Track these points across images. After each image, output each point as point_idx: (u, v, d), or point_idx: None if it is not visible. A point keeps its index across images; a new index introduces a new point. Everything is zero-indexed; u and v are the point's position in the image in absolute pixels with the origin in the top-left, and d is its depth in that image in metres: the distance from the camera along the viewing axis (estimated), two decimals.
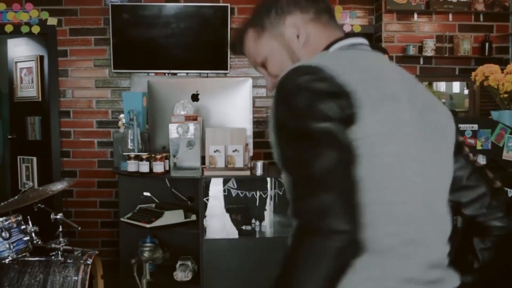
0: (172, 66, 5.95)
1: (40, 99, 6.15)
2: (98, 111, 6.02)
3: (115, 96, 6.03)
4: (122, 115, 5.79)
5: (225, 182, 3.78)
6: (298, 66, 1.28)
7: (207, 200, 3.76)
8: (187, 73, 5.99)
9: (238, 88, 4.18)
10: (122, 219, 3.96)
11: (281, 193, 3.82)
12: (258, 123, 5.92)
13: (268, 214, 3.90)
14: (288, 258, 1.18)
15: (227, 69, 5.99)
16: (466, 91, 6.37)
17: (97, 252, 3.56)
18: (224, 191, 3.78)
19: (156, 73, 5.96)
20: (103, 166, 5.98)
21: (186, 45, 5.97)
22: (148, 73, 5.96)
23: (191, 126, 3.69)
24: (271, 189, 3.84)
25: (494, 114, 4.11)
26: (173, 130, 3.69)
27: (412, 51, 5.96)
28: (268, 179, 3.86)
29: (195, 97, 4.09)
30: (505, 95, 4.05)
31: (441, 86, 6.47)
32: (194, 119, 3.73)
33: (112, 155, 5.89)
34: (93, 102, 6.03)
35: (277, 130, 1.26)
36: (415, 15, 6.05)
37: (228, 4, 5.95)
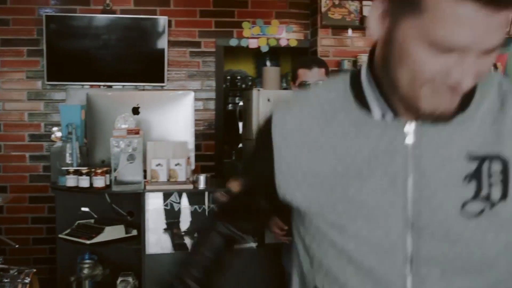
0: (108, 78, 5.85)
1: None
2: (30, 124, 5.85)
3: (48, 109, 5.87)
4: (55, 128, 5.65)
5: (168, 196, 3.74)
6: None
7: (153, 214, 3.71)
8: (123, 85, 5.90)
9: (179, 101, 4.16)
10: (60, 236, 3.85)
11: None
12: (197, 136, 5.89)
13: None
14: None
15: (163, 82, 5.95)
16: None
17: (35, 270, 3.45)
18: (167, 205, 3.74)
19: (91, 86, 5.84)
20: (35, 180, 5.80)
21: (122, 57, 5.89)
22: (83, 85, 5.84)
23: (134, 140, 3.64)
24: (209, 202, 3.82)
25: None
26: (115, 144, 3.63)
27: (346, 65, 6.08)
28: (206, 193, 3.83)
29: (135, 111, 4.04)
30: None
31: None
32: (136, 132, 3.68)
33: (45, 169, 5.74)
34: (25, 115, 5.85)
35: None
36: (350, 31, 6.18)
37: (166, 17, 5.92)
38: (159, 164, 3.71)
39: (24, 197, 5.79)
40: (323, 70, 3.74)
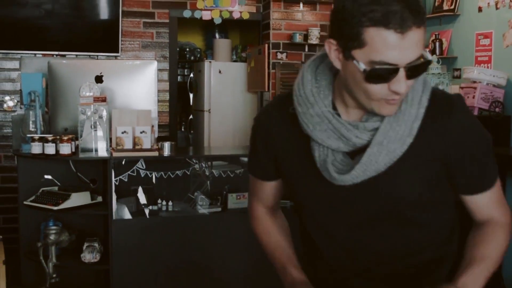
0: (61, 47, 5.80)
1: None
2: None
3: None
4: (7, 98, 5.60)
5: (133, 163, 3.82)
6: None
7: (116, 181, 3.78)
8: (76, 54, 5.88)
9: (142, 71, 4.23)
10: (25, 202, 3.88)
11: (188, 173, 3.93)
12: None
13: (175, 194, 4.00)
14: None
15: (118, 52, 5.95)
16: None
17: (1, 237, 3.48)
18: (133, 171, 3.82)
19: (44, 55, 5.79)
20: None
21: (75, 26, 5.85)
22: (35, 54, 5.78)
23: (100, 108, 3.69)
24: (179, 170, 3.93)
25: None
26: (82, 112, 3.68)
27: (298, 39, 6.24)
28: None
29: (99, 79, 4.08)
30: None
31: None
32: (103, 100, 3.73)
33: None
34: None
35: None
36: (301, 5, 6.33)
37: None
38: (124, 132, 3.78)
39: None
40: None
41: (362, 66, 1.32)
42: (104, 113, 3.70)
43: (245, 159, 4.06)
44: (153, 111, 4.10)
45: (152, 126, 3.94)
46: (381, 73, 1.32)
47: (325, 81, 1.52)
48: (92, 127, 3.74)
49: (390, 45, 1.29)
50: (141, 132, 3.81)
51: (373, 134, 1.45)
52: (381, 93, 1.36)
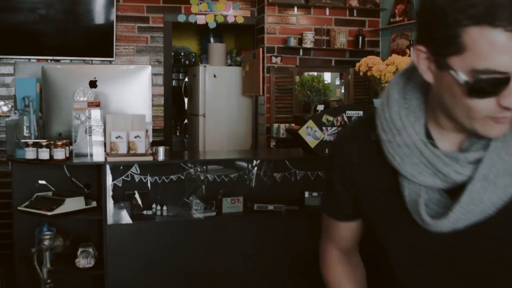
0: (55, 52, 5.80)
1: None
2: None
3: None
4: (1, 103, 5.59)
5: (128, 168, 3.81)
6: None
7: (113, 186, 3.78)
8: (70, 59, 5.87)
9: (136, 75, 4.22)
10: (19, 208, 3.87)
11: (183, 177, 3.92)
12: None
13: (170, 198, 3.99)
14: None
15: (112, 57, 5.95)
16: (338, 81, 6.79)
17: None
18: (127, 176, 3.81)
19: (38, 60, 5.78)
20: None
21: (69, 31, 5.85)
22: (29, 59, 5.77)
23: (94, 112, 3.69)
24: (173, 174, 3.92)
25: (376, 102, 4.46)
26: (76, 117, 3.67)
27: (292, 42, 6.24)
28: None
29: (93, 84, 4.08)
30: (386, 85, 4.41)
31: (314, 73, 6.82)
32: (97, 105, 3.73)
33: None
34: None
35: None
36: (295, 9, 6.34)
37: None
38: (119, 137, 3.77)
39: None
40: None
41: (462, 77, 1.06)
42: (98, 118, 3.70)
43: (240, 163, 4.07)
44: (148, 116, 4.10)
45: (147, 131, 3.93)
46: (488, 85, 1.04)
47: (416, 100, 1.24)
48: (87, 132, 3.73)
49: (499, 48, 1.01)
50: (135, 137, 3.80)
51: (476, 166, 1.15)
52: (487, 110, 1.08)
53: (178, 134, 7.84)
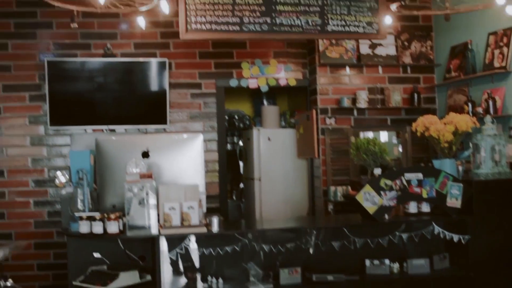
0: (110, 121, 5.88)
1: None
2: (34, 169, 5.85)
3: (51, 153, 5.88)
4: (59, 173, 5.63)
5: (182, 239, 3.73)
6: None
7: (167, 258, 3.70)
8: (125, 128, 5.93)
9: (188, 144, 4.18)
10: (74, 283, 3.82)
11: (238, 249, 3.81)
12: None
13: (225, 270, 3.88)
14: None
15: (166, 123, 5.98)
16: (394, 139, 6.62)
17: None
18: (181, 249, 3.73)
19: (94, 130, 5.86)
20: (40, 226, 5.77)
21: (123, 99, 5.94)
22: (85, 129, 5.86)
23: (146, 184, 3.65)
24: (229, 245, 3.82)
25: (436, 163, 4.29)
26: (128, 189, 3.64)
27: (346, 103, 6.15)
28: None
29: (145, 154, 4.06)
30: (446, 145, 4.25)
31: (369, 135, 6.69)
32: (149, 176, 3.69)
33: (50, 215, 5.73)
34: (28, 160, 5.85)
35: None
36: (347, 68, 6.28)
37: (166, 59, 5.99)
38: (172, 208, 3.71)
39: (29, 244, 5.75)
40: None
41: None
42: (150, 190, 3.65)
43: (297, 232, 3.94)
44: (201, 185, 4.03)
45: (200, 201, 3.86)
46: None
47: None
48: (139, 204, 3.69)
49: None
50: (188, 208, 3.74)
51: None
52: None
53: (234, 198, 7.77)
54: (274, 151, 6.59)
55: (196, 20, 4.32)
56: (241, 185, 7.37)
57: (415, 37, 6.45)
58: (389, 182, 3.94)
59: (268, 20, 4.43)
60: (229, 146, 7.90)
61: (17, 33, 5.90)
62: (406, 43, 6.42)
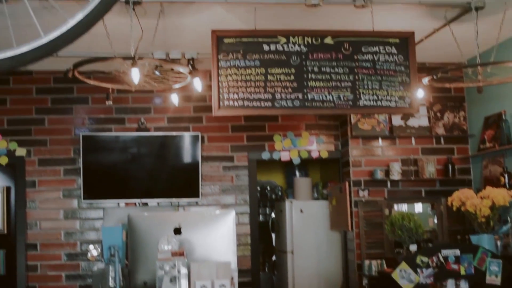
0: (143, 194, 5.92)
1: (5, 232, 5.98)
2: (66, 243, 5.87)
3: (84, 227, 5.91)
4: (91, 247, 5.65)
5: None
6: None
7: None
8: (158, 202, 5.95)
9: (220, 220, 4.16)
10: None
11: None
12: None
13: None
14: None
15: (198, 197, 5.99)
16: (429, 211, 6.49)
17: None
18: None
19: (127, 204, 5.90)
20: None
21: (156, 173, 5.98)
22: (118, 203, 5.90)
23: (178, 262, 3.62)
24: None
25: (474, 238, 4.19)
26: (160, 267, 3.61)
27: (379, 175, 6.10)
28: None
29: (177, 231, 4.04)
30: (483, 220, 4.16)
31: (403, 207, 6.58)
32: (181, 254, 3.66)
33: None
34: (61, 234, 5.88)
35: None
36: (380, 140, 6.25)
37: (199, 133, 6.05)
38: (203, 286, 3.66)
39: None
40: None
41: None
42: (182, 268, 3.62)
43: None
44: (232, 261, 3.98)
45: (232, 278, 3.81)
46: None
47: None
48: (171, 282, 3.65)
49: None
50: (220, 286, 3.68)
51: None
52: None
53: (266, 270, 7.66)
54: (307, 223, 6.53)
55: (228, 97, 4.37)
56: (274, 257, 7.28)
57: (448, 108, 6.43)
58: (425, 259, 3.85)
59: (300, 96, 4.46)
60: (261, 217, 7.86)
61: (54, 109, 6.05)
62: (438, 114, 6.40)
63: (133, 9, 4.21)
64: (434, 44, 5.45)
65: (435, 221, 6.36)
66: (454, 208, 4.32)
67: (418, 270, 3.84)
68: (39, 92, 6.05)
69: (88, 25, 1.30)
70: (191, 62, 5.43)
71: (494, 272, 3.91)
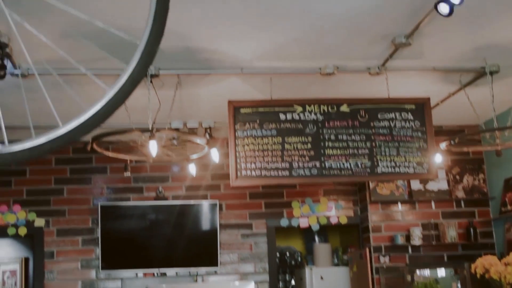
0: (161, 263, 5.87)
1: None
2: None
3: None
4: None
5: None
6: None
7: None
8: (176, 272, 5.90)
9: None
10: None
11: None
12: None
13: None
14: None
15: (217, 265, 5.93)
16: (453, 276, 6.34)
17: None
18: None
19: (145, 274, 5.85)
20: None
21: (174, 242, 5.95)
22: (136, 273, 5.84)
23: None
24: None
25: None
26: None
27: (400, 240, 6.01)
28: None
29: None
30: (508, 287, 4.06)
31: (425, 273, 6.44)
32: None
33: None
34: None
35: None
36: (399, 205, 6.19)
37: (217, 200, 6.04)
38: None
39: None
40: None
41: None
42: None
43: None
44: None
45: None
46: None
47: None
48: None
49: None
50: None
51: None
52: None
53: None
54: None
55: (246, 167, 4.38)
56: None
57: (467, 171, 6.37)
58: None
59: (317, 164, 4.46)
60: (281, 284, 7.72)
61: (73, 179, 6.09)
62: (458, 177, 6.34)
63: (151, 81, 4.29)
64: (450, 108, 5.46)
65: (459, 286, 6.21)
66: (478, 276, 4.23)
67: None
68: (58, 162, 6.10)
69: (106, 115, 1.31)
70: (208, 130, 5.48)
71: None
